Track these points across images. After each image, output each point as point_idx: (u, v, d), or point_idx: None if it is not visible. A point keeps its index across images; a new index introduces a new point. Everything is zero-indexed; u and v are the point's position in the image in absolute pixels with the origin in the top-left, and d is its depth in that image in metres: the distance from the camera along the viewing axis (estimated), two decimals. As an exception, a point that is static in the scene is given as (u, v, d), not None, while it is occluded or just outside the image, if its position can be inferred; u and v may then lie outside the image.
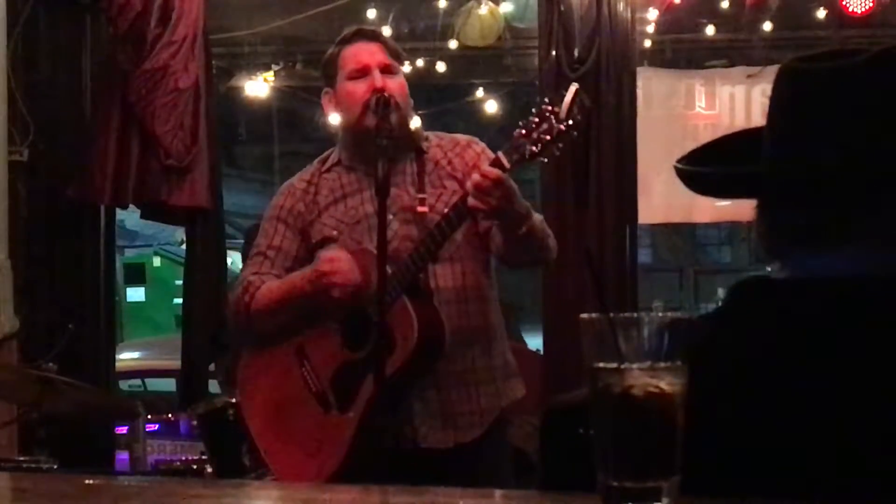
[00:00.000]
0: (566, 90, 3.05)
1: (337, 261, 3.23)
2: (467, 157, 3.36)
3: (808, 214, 1.36)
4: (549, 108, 3.02)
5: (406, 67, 3.50)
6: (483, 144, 3.42)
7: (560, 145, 3.04)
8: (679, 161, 1.46)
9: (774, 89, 1.44)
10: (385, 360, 3.03)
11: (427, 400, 3.26)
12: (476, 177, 3.03)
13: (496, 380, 3.37)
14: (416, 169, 3.36)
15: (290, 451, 3.40)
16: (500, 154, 3.07)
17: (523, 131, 3.04)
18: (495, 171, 3.01)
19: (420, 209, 3.29)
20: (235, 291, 3.50)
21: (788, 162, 1.37)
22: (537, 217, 3.23)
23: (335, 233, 3.36)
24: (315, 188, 3.43)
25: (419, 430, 3.26)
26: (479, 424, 3.32)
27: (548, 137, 3.01)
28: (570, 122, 3.00)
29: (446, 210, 3.20)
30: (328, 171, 3.45)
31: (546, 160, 3.13)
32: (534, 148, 3.03)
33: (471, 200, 3.04)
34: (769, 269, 1.46)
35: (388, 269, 3.11)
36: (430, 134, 3.48)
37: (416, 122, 3.44)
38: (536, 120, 3.03)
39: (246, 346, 3.60)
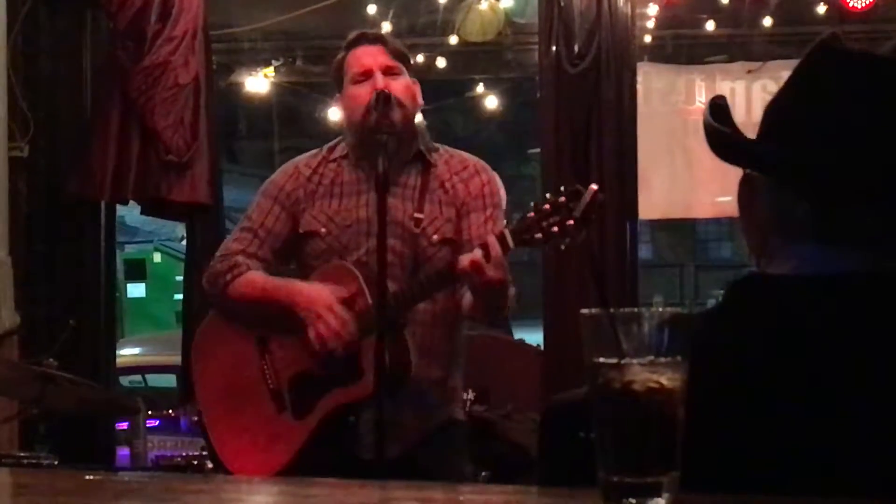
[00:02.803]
0: (585, 189, 3.06)
1: (333, 315, 3.23)
2: (472, 187, 3.36)
3: (824, 207, 1.36)
4: (565, 201, 3.04)
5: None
6: (490, 173, 3.42)
7: (567, 240, 3.06)
8: (712, 114, 1.44)
9: (806, 70, 1.43)
10: (350, 384, 3.18)
11: (375, 415, 3.26)
12: (478, 252, 3.04)
13: (445, 402, 3.43)
14: (420, 183, 3.36)
15: (236, 435, 3.43)
16: (505, 232, 3.09)
17: (533, 215, 3.07)
18: (496, 248, 3.03)
19: (414, 230, 3.30)
20: (217, 264, 3.49)
21: (812, 152, 1.36)
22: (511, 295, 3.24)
23: (323, 230, 3.36)
24: (318, 177, 3.43)
25: (364, 441, 3.25)
26: (418, 438, 3.34)
27: (556, 230, 3.04)
28: (584, 222, 3.02)
29: (436, 236, 3.27)
30: (333, 160, 3.45)
31: (548, 250, 3.19)
32: (539, 235, 3.06)
33: (463, 266, 3.05)
34: (756, 264, 1.45)
35: (368, 301, 3.16)
36: (440, 147, 3.47)
37: (420, 123, 3.44)
38: (548, 209, 3.05)
39: (212, 309, 3.61)
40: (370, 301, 3.17)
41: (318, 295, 3.26)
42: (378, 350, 2.99)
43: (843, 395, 1.27)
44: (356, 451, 3.24)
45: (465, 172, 3.39)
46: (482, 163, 3.47)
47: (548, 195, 3.10)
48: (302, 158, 3.51)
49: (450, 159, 3.41)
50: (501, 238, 3.06)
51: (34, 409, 4.54)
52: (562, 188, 3.11)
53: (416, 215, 3.31)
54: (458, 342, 3.45)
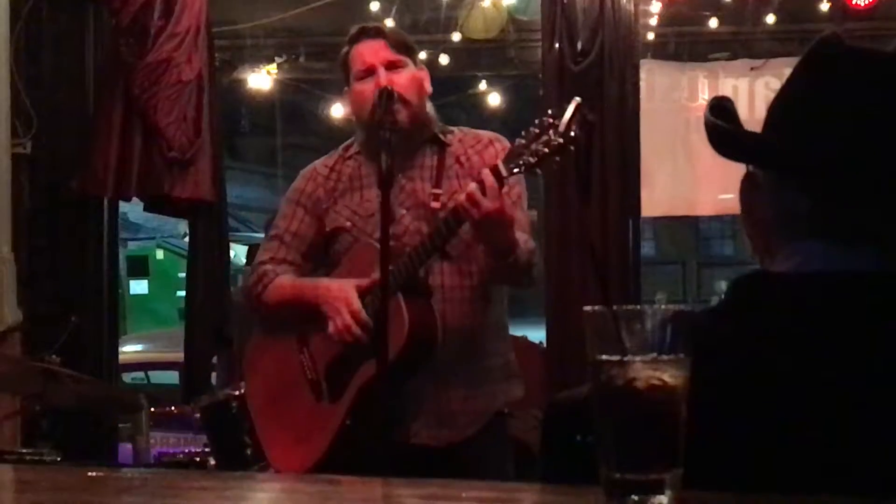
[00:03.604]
0: (568, 103, 3.06)
1: (350, 310, 3.23)
2: (486, 157, 3.35)
3: (825, 203, 1.36)
4: (550, 120, 3.03)
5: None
6: (505, 142, 3.40)
7: (557, 159, 3.05)
8: (712, 112, 1.44)
9: (807, 67, 1.43)
10: (382, 353, 3.03)
11: (422, 397, 3.27)
12: (472, 183, 3.04)
13: (494, 381, 3.37)
14: (436, 163, 3.36)
15: (281, 434, 3.45)
16: (499, 163, 3.08)
17: (523, 141, 3.06)
18: (490, 179, 3.02)
19: (434, 205, 3.29)
20: (251, 277, 3.55)
21: (812, 147, 1.36)
22: (525, 249, 3.21)
23: (348, 223, 3.37)
24: (337, 175, 3.45)
25: (411, 427, 3.26)
26: (471, 424, 3.32)
27: (545, 150, 3.02)
28: (569, 136, 3.01)
29: (446, 213, 3.21)
30: (350, 157, 3.46)
31: (539, 172, 3.16)
32: (531, 159, 3.04)
33: (460, 201, 3.05)
34: (759, 262, 1.45)
35: (389, 269, 3.12)
36: (454, 128, 3.47)
37: (431, 110, 3.43)
38: (536, 131, 3.04)
39: (256, 326, 3.65)
40: (391, 267, 3.14)
41: (338, 290, 3.27)
42: (380, 348, 2.99)
43: (846, 392, 1.26)
44: (404, 437, 3.23)
45: (479, 145, 3.39)
46: (496, 134, 3.46)
47: (535, 121, 3.09)
48: (319, 161, 3.54)
49: (464, 137, 3.42)
50: (495, 170, 3.05)
51: (37, 406, 4.55)
52: (549, 111, 3.10)
53: (435, 191, 3.31)
54: (493, 317, 3.40)
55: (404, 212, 3.27)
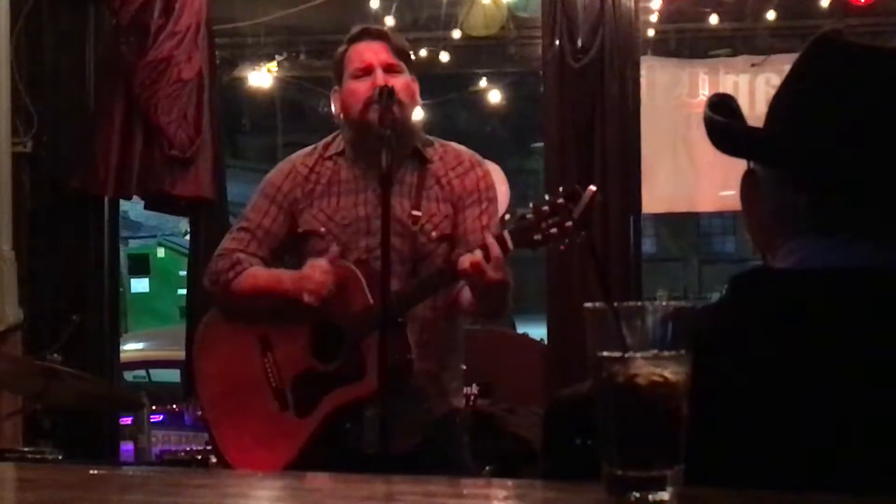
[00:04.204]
0: (584, 190, 3.05)
1: (317, 270, 3.27)
2: (468, 183, 3.38)
3: (823, 197, 1.35)
4: (563, 202, 3.04)
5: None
6: (486, 167, 3.45)
7: (566, 241, 3.06)
8: (712, 108, 1.44)
9: (806, 63, 1.43)
10: (353, 382, 3.19)
11: (377, 412, 3.27)
12: (478, 253, 3.05)
13: (445, 393, 3.42)
14: (416, 180, 3.36)
15: (239, 432, 3.45)
16: (505, 234, 3.09)
17: (532, 216, 3.08)
18: (496, 250, 3.04)
19: (412, 228, 3.31)
20: (219, 262, 3.51)
21: (810, 141, 1.36)
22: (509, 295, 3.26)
23: (323, 229, 3.37)
24: (316, 176, 3.43)
25: (366, 438, 3.25)
26: (416, 433, 3.33)
27: (555, 232, 3.05)
28: (582, 225, 3.02)
29: (434, 233, 3.28)
30: (329, 158, 3.44)
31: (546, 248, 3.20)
32: (538, 237, 3.06)
33: (464, 267, 3.06)
34: (761, 258, 1.45)
35: (370, 300, 3.18)
36: (434, 140, 3.47)
37: (417, 119, 3.45)
38: (547, 210, 3.05)
39: (213, 309, 3.63)
40: (371, 300, 3.18)
41: (311, 268, 3.30)
42: (382, 347, 2.99)
43: (846, 388, 1.26)
44: (360, 448, 3.25)
45: (460, 168, 3.40)
46: (477, 156, 3.47)
47: (546, 196, 3.10)
48: (298, 156, 3.51)
49: (444, 154, 3.41)
50: (500, 239, 3.07)
51: (38, 404, 4.55)
52: (560, 189, 3.11)
53: (414, 213, 3.32)
54: (456, 336, 3.46)
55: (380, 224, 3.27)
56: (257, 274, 3.42)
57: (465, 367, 3.58)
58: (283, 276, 3.38)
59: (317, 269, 3.28)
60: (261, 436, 3.39)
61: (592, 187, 3.08)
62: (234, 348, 3.48)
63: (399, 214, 3.30)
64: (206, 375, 3.58)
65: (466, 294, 3.26)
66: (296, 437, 3.33)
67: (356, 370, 3.23)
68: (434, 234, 3.31)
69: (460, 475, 3.28)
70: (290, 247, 3.46)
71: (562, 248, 3.15)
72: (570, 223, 3.01)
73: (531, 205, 3.11)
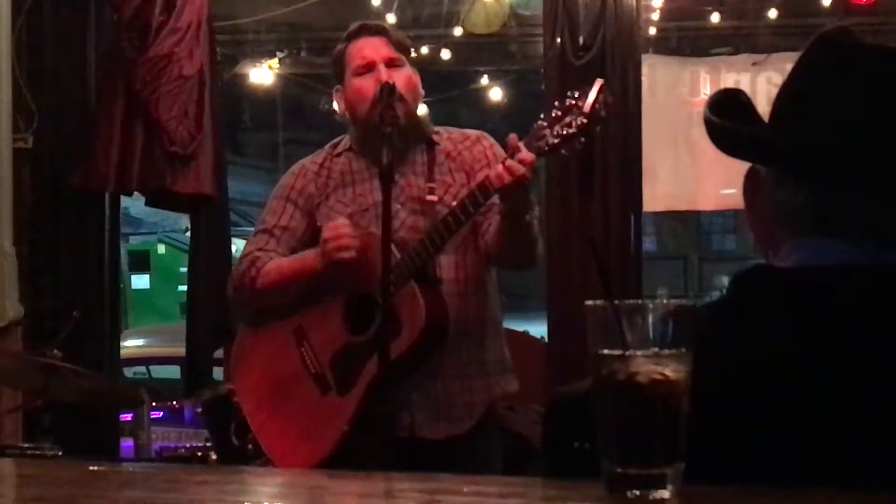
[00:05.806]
0: (591, 84, 3.04)
1: (336, 227, 3.24)
2: (476, 152, 3.37)
3: (824, 196, 1.35)
4: (574, 101, 3.02)
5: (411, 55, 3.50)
6: (492, 140, 3.43)
7: (582, 140, 3.04)
8: (717, 106, 1.43)
9: (809, 61, 1.42)
10: (389, 344, 3.03)
11: (425, 390, 3.26)
12: (510, 161, 3.02)
13: (491, 374, 3.38)
14: (427, 159, 3.37)
15: (282, 431, 3.40)
16: (520, 143, 3.07)
17: (545, 123, 3.04)
18: (530, 156, 3.01)
19: (429, 198, 3.30)
20: (239, 266, 3.48)
21: (811, 140, 1.36)
22: (536, 212, 3.24)
23: (341, 219, 3.36)
24: (327, 171, 3.43)
25: (416, 420, 3.26)
26: (469, 417, 3.31)
27: (570, 131, 3.01)
28: (594, 116, 2.99)
29: (454, 203, 3.20)
30: (339, 155, 3.45)
31: (565, 153, 3.13)
32: (555, 140, 3.03)
33: (494, 177, 3.03)
34: (764, 257, 1.45)
35: (398, 255, 3.13)
36: (439, 128, 3.48)
37: (423, 112, 3.44)
38: (559, 112, 3.03)
39: (242, 322, 3.59)
40: (399, 255, 3.14)
41: (328, 230, 3.27)
42: (383, 346, 2.99)
43: (849, 386, 1.26)
44: (410, 432, 3.23)
45: (467, 142, 3.41)
46: (481, 132, 3.49)
47: (556, 102, 3.07)
48: (307, 159, 3.52)
49: (450, 135, 3.45)
50: (518, 150, 3.05)
51: (38, 400, 4.56)
52: (568, 93, 3.08)
53: (430, 185, 3.32)
54: (489, 311, 3.40)
55: (399, 207, 3.26)
56: (280, 262, 3.39)
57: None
58: (307, 254, 3.34)
59: (335, 228, 3.23)
60: (307, 426, 3.34)
61: (600, 80, 3.07)
62: (270, 351, 3.45)
63: (415, 193, 3.31)
64: (246, 389, 3.54)
65: (491, 233, 3.23)
66: (339, 416, 3.27)
67: (393, 330, 3.13)
68: (454, 203, 3.27)
69: (491, 472, 3.28)
70: (310, 245, 3.42)
71: (578, 146, 3.09)
72: (583, 119, 2.99)
73: (542, 114, 3.09)
